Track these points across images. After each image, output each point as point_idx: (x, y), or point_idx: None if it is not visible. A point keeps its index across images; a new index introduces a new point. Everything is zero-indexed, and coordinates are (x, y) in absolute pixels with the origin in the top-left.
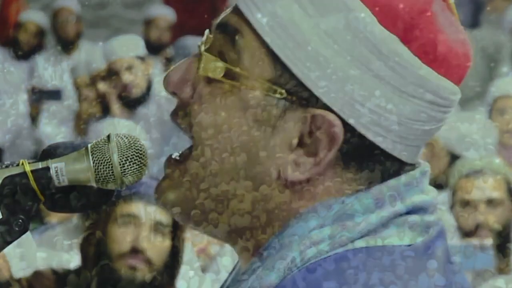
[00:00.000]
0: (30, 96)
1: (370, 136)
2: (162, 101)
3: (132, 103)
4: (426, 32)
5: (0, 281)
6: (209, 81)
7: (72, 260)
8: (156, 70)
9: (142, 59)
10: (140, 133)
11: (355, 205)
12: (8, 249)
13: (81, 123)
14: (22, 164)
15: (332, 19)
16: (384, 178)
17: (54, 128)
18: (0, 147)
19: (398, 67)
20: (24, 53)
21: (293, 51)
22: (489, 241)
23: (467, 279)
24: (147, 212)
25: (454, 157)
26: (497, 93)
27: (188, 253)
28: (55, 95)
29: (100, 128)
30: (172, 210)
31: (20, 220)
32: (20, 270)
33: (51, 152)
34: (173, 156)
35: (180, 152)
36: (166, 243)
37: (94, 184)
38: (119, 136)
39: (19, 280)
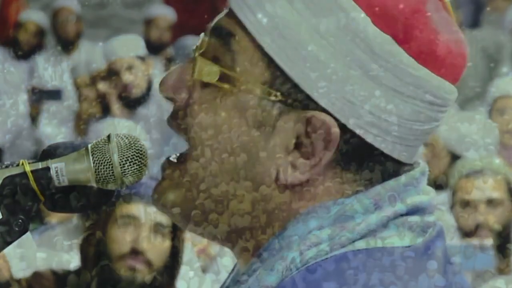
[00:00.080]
0: (30, 96)
1: (369, 137)
2: (162, 101)
3: (132, 103)
4: (420, 32)
5: (0, 281)
6: (205, 85)
7: (72, 260)
8: (156, 70)
9: (142, 59)
10: (140, 133)
11: (355, 206)
12: (8, 250)
13: (81, 123)
14: (22, 164)
15: (326, 21)
16: (384, 178)
17: (54, 128)
18: (0, 147)
19: (393, 68)
20: (24, 53)
21: (289, 53)
22: (489, 242)
23: (466, 280)
24: (147, 213)
25: (454, 158)
26: (497, 93)
27: (188, 253)
28: (55, 95)
29: (100, 128)
30: (171, 211)
31: (20, 221)
32: (20, 271)
33: (51, 152)
34: (170, 158)
35: (178, 154)
36: (166, 243)
37: (94, 184)
38: (119, 136)
39: (19, 281)
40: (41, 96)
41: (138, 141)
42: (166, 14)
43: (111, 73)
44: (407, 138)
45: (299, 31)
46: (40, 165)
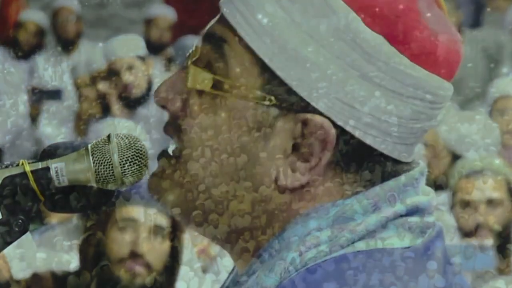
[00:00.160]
0: (30, 96)
1: (369, 139)
2: None
3: (132, 104)
4: (412, 30)
5: (0, 282)
6: (199, 92)
7: (72, 261)
8: (156, 70)
9: (142, 59)
10: (140, 133)
11: (354, 207)
12: (8, 250)
13: (81, 123)
14: (22, 164)
15: (321, 24)
16: (384, 178)
17: (54, 129)
18: (0, 147)
19: (391, 70)
20: (24, 53)
21: (283, 57)
22: (489, 242)
23: (466, 280)
24: (147, 215)
25: (454, 158)
26: (497, 94)
27: (188, 253)
28: (55, 95)
29: (100, 128)
30: (172, 211)
31: (20, 221)
32: (20, 271)
33: (51, 153)
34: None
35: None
36: (165, 245)
37: (94, 185)
38: (119, 137)
39: (18, 282)
40: (41, 96)
41: (138, 141)
42: (166, 14)
43: (111, 73)
44: (406, 138)
45: (293, 35)
46: (40, 165)
